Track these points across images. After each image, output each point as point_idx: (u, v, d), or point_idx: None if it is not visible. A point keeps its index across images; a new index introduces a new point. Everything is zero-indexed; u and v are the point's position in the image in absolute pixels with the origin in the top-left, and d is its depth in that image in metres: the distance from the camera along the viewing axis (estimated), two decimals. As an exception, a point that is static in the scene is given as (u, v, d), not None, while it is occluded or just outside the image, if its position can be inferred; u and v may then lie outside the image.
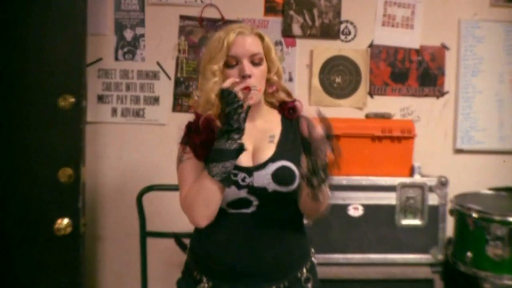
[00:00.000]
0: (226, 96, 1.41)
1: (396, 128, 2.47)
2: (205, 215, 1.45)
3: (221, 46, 1.50)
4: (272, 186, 1.49)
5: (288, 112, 1.64)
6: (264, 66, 1.55)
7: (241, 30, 1.53)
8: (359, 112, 2.80)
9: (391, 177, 2.42)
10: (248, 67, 1.49)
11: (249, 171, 1.51)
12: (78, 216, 1.91)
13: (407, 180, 2.43)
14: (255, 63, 1.52)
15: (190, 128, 1.56)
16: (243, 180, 1.49)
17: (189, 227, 1.61)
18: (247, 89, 1.46)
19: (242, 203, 1.50)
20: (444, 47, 2.85)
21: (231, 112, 1.39)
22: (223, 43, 1.50)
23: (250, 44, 1.52)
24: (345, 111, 2.80)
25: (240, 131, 1.41)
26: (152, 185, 2.47)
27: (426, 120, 2.86)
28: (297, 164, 1.52)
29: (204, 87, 1.52)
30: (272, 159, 1.52)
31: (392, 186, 2.41)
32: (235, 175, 1.48)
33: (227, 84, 1.44)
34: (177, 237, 2.29)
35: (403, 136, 2.47)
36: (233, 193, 1.49)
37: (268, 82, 1.60)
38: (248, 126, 1.47)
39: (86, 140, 2.01)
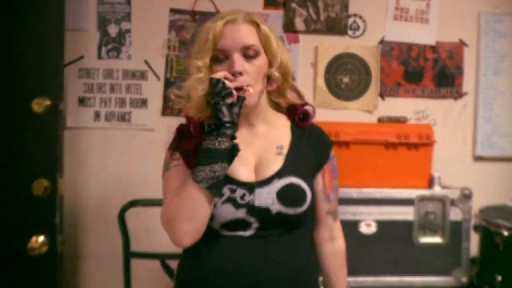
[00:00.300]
0: (213, 85, 1.30)
1: (413, 134, 2.44)
2: (188, 231, 1.32)
3: (207, 37, 1.39)
4: (276, 207, 1.37)
5: (299, 118, 1.52)
6: (260, 60, 1.42)
7: (231, 18, 1.41)
8: (368, 116, 2.79)
9: (407, 189, 2.38)
10: (238, 62, 1.37)
11: (250, 187, 1.38)
12: (55, 233, 1.89)
13: (426, 192, 2.38)
14: (249, 56, 1.40)
15: (182, 131, 1.45)
16: (242, 197, 1.37)
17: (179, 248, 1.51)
18: (240, 89, 1.34)
19: (239, 224, 1.38)
20: (462, 44, 2.82)
21: (219, 103, 1.28)
22: (209, 34, 1.39)
23: (241, 35, 1.40)
24: (353, 114, 2.78)
25: (233, 125, 1.29)
26: (135, 200, 2.40)
27: (443, 124, 2.82)
28: (309, 181, 1.41)
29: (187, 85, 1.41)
30: (279, 175, 1.40)
31: (409, 199, 2.36)
32: (233, 191, 1.37)
33: (217, 75, 1.32)
34: (164, 262, 2.24)
35: (421, 143, 2.44)
36: (230, 212, 1.36)
37: (270, 79, 1.47)
38: (247, 132, 1.37)
39: (65, 147, 2.00)
